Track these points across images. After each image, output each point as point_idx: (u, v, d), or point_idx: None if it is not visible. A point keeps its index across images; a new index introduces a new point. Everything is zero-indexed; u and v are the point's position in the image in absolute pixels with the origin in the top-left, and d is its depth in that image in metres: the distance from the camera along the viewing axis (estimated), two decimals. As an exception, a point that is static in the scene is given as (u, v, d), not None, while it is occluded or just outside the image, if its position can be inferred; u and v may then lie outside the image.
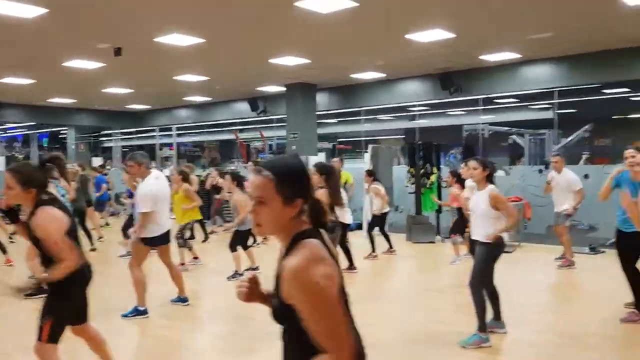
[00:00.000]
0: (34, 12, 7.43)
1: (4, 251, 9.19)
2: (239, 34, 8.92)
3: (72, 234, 3.41)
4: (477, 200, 5.10)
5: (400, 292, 7.38)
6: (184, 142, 26.63)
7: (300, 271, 1.62)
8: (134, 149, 25.31)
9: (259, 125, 19.81)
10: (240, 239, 8.34)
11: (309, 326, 1.64)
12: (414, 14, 7.79)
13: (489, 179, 5.12)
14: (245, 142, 22.17)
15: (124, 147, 24.66)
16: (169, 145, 22.37)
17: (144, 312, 6.12)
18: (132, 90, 15.21)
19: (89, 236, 10.20)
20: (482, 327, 5.01)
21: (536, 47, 10.07)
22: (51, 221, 3.30)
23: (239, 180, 8.34)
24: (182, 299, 6.67)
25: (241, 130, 21.19)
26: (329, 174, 5.79)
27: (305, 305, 1.63)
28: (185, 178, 9.01)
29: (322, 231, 1.83)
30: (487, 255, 5.03)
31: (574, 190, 8.35)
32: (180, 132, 22.35)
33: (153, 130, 21.67)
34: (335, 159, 11.75)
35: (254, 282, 2.00)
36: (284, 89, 14.57)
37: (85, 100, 17.39)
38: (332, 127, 23.78)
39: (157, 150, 20.87)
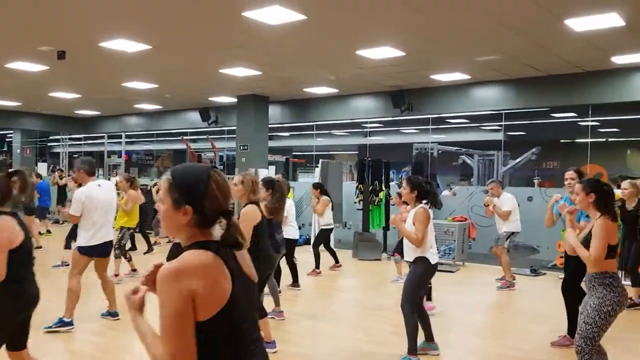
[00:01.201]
0: (-32, 8, 7.09)
1: None
2: (188, 41, 8.74)
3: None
4: (408, 219, 5.11)
5: (341, 311, 7.29)
6: (136, 151, 26.02)
7: (164, 271, 1.69)
8: (82, 155, 24.71)
9: (211, 136, 19.51)
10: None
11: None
12: (363, 30, 7.79)
13: (422, 198, 5.11)
14: (196, 152, 21.82)
15: (71, 153, 23.93)
16: (119, 152, 21.80)
17: (69, 324, 5.87)
18: (79, 96, 14.75)
19: None
20: (413, 349, 4.97)
21: (484, 69, 10.25)
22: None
23: None
24: (112, 314, 6.43)
25: (193, 141, 20.86)
26: (274, 188, 5.69)
27: (158, 304, 1.69)
28: (132, 184, 8.85)
29: (232, 251, 1.82)
30: (417, 277, 5.02)
31: (505, 210, 8.46)
32: (131, 140, 21.83)
33: (102, 137, 21.07)
34: (278, 175, 11.70)
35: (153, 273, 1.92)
36: (234, 100, 14.40)
37: (31, 103, 16.77)
38: (286, 141, 23.71)
39: (106, 157, 20.30)
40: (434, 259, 5.01)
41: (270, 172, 15.25)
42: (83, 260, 5.92)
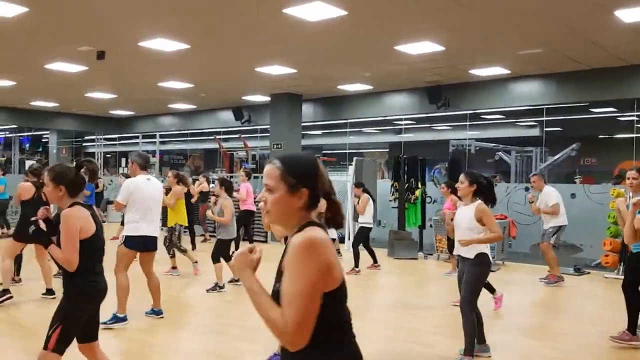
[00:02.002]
0: (14, 10, 7.18)
1: None
2: (225, 40, 8.74)
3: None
4: (462, 214, 4.98)
5: (382, 311, 7.18)
6: (168, 150, 26.32)
7: (303, 241, 1.73)
8: (117, 155, 24.95)
9: (243, 135, 19.58)
10: (223, 249, 8.11)
11: (283, 293, 1.71)
12: (404, 25, 7.66)
13: (478, 194, 4.99)
14: (228, 151, 21.92)
15: (106, 153, 24.31)
16: (153, 152, 22.06)
17: (123, 320, 5.91)
18: (115, 96, 14.93)
19: None
20: (470, 350, 4.84)
21: (525, 63, 10.01)
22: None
23: (227, 185, 8.16)
24: (156, 312, 6.45)
25: (225, 140, 20.96)
26: None
27: (288, 268, 1.73)
28: (180, 181, 8.89)
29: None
30: (479, 275, 4.89)
31: (549, 205, 8.27)
32: (162, 139, 22.06)
33: (136, 137, 21.35)
34: None
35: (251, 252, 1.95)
36: (268, 98, 14.39)
37: (67, 104, 17.05)
38: (317, 139, 23.65)
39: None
40: (489, 254, 4.92)
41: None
42: (129, 255, 5.97)
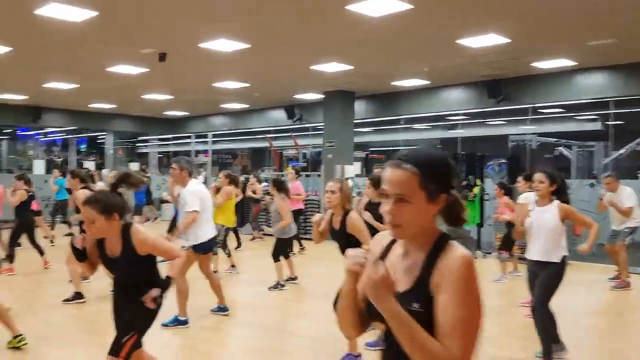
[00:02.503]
0: (84, 15, 7.36)
1: (42, 253, 9.21)
2: (285, 39, 8.74)
3: None
4: (541, 216, 4.77)
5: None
6: (217, 150, 26.72)
7: (465, 261, 1.51)
8: (170, 155, 25.50)
9: (294, 133, 19.65)
10: (283, 248, 8.14)
11: (444, 318, 1.48)
12: (470, 16, 7.47)
13: (557, 194, 4.81)
14: (278, 150, 22.05)
15: (160, 153, 24.82)
16: (204, 152, 22.42)
17: (185, 323, 5.96)
18: (171, 97, 15.20)
19: None
20: (547, 353, 4.68)
21: (593, 55, 9.62)
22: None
23: (280, 186, 8.15)
24: (222, 308, 6.51)
25: (274, 138, 21.09)
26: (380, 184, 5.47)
27: (456, 295, 1.49)
28: (232, 181, 8.91)
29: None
30: (556, 277, 4.72)
31: (625, 206, 7.88)
32: (215, 139, 22.36)
33: (189, 137, 21.71)
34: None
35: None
36: (321, 96, 14.36)
37: (124, 105, 17.47)
38: (365, 136, 23.48)
39: (193, 157, 20.87)
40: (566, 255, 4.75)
41: (355, 168, 15.12)
42: (190, 259, 5.97)
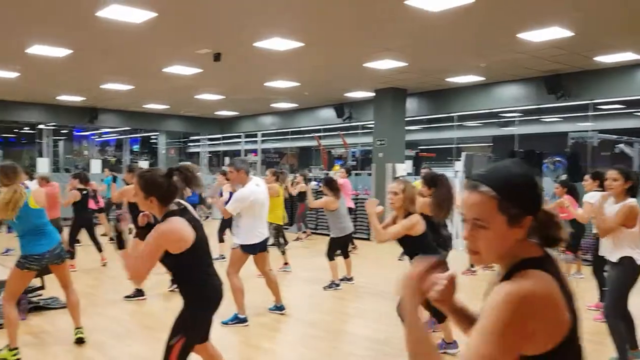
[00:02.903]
0: (144, 16, 7.48)
1: (100, 249, 9.43)
2: (340, 36, 8.67)
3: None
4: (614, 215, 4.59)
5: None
6: (264, 149, 26.94)
7: (507, 292, 1.35)
8: (219, 155, 25.81)
9: (342, 132, 19.57)
10: (337, 247, 8.08)
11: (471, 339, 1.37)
12: (534, 9, 7.20)
13: (632, 191, 4.61)
14: (326, 148, 22.00)
15: (209, 152, 25.19)
16: (253, 151, 22.62)
17: (244, 321, 5.97)
18: (223, 97, 15.36)
19: None
20: (623, 359, 4.46)
21: (662, 47, 9.16)
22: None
23: (332, 185, 8.10)
24: (279, 307, 6.50)
25: (322, 137, 21.08)
26: (437, 184, 5.27)
27: (483, 317, 1.36)
28: (278, 179, 8.94)
29: (555, 256, 1.49)
30: (624, 280, 4.52)
31: None
32: (263, 138, 22.52)
33: (238, 137, 21.93)
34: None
35: (451, 282, 1.65)
36: (371, 94, 14.23)
37: (177, 106, 17.79)
38: (414, 134, 23.17)
39: (243, 156, 21.07)
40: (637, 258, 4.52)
41: (407, 166, 14.92)
42: (243, 258, 6.00)
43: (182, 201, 3.20)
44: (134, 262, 3.06)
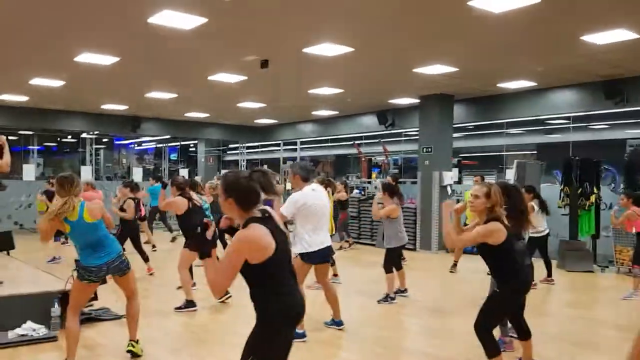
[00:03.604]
0: (194, 22, 7.35)
1: (146, 259, 9.35)
2: (393, 41, 8.40)
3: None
4: None
5: (582, 333, 6.42)
6: (302, 157, 26.82)
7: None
8: (258, 163, 25.82)
9: (384, 139, 19.25)
10: (393, 258, 7.78)
11: None
12: (602, 10, 6.83)
13: None
14: (366, 156, 21.70)
15: (247, 160, 25.17)
16: (292, 159, 22.50)
17: (302, 336, 5.71)
18: (263, 105, 15.23)
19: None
20: None
21: None
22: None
23: (392, 189, 7.80)
24: (336, 322, 6.24)
25: (360, 145, 20.82)
26: (509, 194, 4.90)
27: None
28: (327, 186, 8.68)
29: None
30: None
31: None
32: (303, 146, 22.38)
33: (277, 145, 21.82)
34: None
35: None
36: (415, 101, 13.90)
37: (217, 114, 17.77)
38: (456, 142, 22.67)
39: (281, 164, 20.96)
40: None
41: (454, 174, 14.51)
42: (305, 268, 5.78)
43: (269, 209, 2.98)
44: (214, 273, 2.86)
